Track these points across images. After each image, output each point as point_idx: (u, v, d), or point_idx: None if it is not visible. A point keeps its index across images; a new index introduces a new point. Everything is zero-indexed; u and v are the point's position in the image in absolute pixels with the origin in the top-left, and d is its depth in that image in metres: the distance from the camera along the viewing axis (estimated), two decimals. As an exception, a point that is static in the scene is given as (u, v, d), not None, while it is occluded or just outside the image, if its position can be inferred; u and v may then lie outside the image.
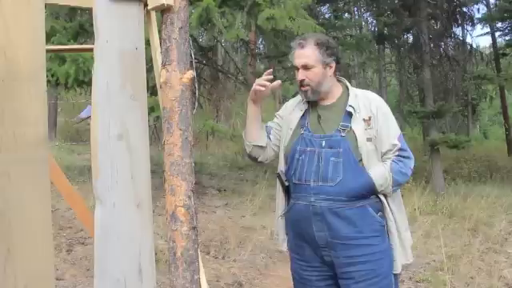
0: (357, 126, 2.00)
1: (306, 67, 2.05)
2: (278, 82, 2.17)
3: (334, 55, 2.08)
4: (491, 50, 15.02)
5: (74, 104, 14.76)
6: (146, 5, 1.52)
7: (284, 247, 2.21)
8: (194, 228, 1.42)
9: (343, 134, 1.99)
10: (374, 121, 2.01)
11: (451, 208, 6.61)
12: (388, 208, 2.01)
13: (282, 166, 2.15)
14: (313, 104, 2.13)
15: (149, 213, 1.46)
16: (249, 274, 4.01)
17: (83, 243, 4.44)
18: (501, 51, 13.82)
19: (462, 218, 5.96)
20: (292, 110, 2.19)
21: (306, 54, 2.05)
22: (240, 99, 8.38)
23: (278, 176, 2.15)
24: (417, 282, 3.99)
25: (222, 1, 6.08)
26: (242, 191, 7.54)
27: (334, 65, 2.08)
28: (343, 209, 1.96)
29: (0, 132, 1.29)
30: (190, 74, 1.46)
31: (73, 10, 6.90)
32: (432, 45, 11.20)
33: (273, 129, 2.22)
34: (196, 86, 1.75)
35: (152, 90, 4.90)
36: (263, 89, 2.08)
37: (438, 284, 3.79)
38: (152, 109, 5.22)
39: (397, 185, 2.02)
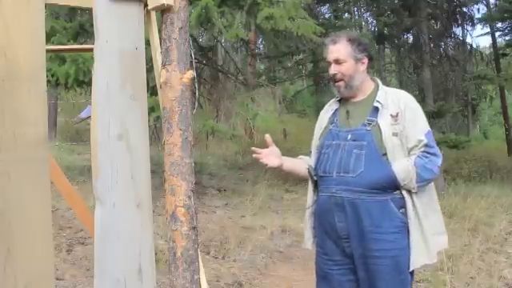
0: (383, 120, 2.03)
1: (337, 61, 2.12)
2: (267, 137, 2.22)
3: (366, 51, 2.16)
4: (491, 50, 15.02)
5: (74, 104, 14.76)
6: (146, 5, 1.52)
7: (308, 245, 2.25)
8: (194, 228, 1.43)
9: (368, 128, 2.04)
10: (401, 117, 2.03)
11: (451, 208, 6.61)
12: (411, 205, 2.00)
13: (311, 162, 2.23)
14: (344, 101, 2.20)
15: (149, 213, 1.46)
16: (249, 273, 4.01)
17: (83, 243, 4.43)
18: (501, 51, 13.83)
19: (462, 218, 5.96)
20: (325, 112, 2.27)
21: (338, 49, 2.13)
22: (240, 99, 8.37)
23: (308, 171, 2.21)
24: (417, 282, 3.99)
25: (222, 0, 6.08)
26: (242, 191, 7.54)
27: (366, 61, 2.15)
28: (363, 200, 1.98)
29: (0, 132, 1.29)
30: (190, 73, 1.46)
31: (73, 10, 6.91)
32: (432, 45, 11.22)
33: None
34: (196, 85, 1.75)
35: (152, 90, 4.90)
36: (267, 158, 2.17)
37: (438, 284, 3.79)
38: (152, 109, 5.22)
39: (421, 181, 1.99)
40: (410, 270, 2.02)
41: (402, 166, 1.98)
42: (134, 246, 1.40)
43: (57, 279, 3.47)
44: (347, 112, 2.15)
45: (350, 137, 2.06)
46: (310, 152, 2.31)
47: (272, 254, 4.53)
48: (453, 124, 15.22)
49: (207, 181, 8.38)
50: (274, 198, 7.23)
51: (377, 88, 2.16)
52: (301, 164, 2.29)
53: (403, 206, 2.00)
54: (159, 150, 7.77)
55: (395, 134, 2.01)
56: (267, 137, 2.22)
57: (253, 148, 2.21)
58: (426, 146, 2.02)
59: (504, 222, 5.92)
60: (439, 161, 2.04)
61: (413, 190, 2.00)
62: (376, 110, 2.06)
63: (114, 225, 1.39)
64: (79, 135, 13.10)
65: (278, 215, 6.06)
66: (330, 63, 2.15)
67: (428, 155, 2.02)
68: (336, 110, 2.21)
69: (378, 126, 2.02)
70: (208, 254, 4.42)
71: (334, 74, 2.13)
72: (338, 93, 2.18)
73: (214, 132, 6.86)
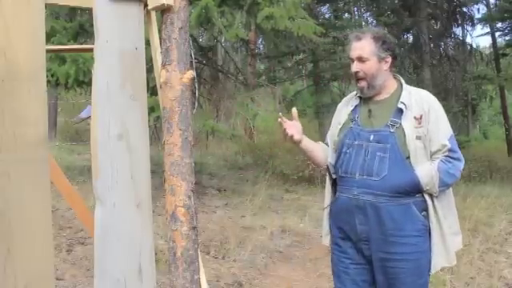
0: (406, 122, 1.98)
1: (360, 59, 2.06)
2: (294, 110, 2.19)
3: (391, 50, 2.09)
4: (491, 49, 15.03)
5: (74, 104, 14.76)
6: (146, 5, 1.52)
7: (326, 242, 2.23)
8: (194, 228, 1.42)
9: (392, 130, 1.99)
10: (424, 119, 1.99)
11: (451, 208, 6.59)
12: (432, 208, 1.99)
13: (330, 158, 2.18)
14: (365, 99, 2.14)
15: (149, 213, 1.46)
16: (249, 273, 4.01)
17: (83, 243, 4.43)
18: (501, 51, 13.84)
19: (462, 218, 5.94)
20: (344, 106, 2.21)
21: (362, 47, 2.06)
22: (240, 99, 8.38)
23: (327, 168, 2.18)
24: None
25: (221, 0, 6.08)
26: (242, 191, 7.54)
27: (389, 60, 2.09)
28: (385, 204, 1.96)
29: (0, 132, 1.29)
30: (190, 74, 1.46)
31: (73, 10, 6.91)
32: (432, 45, 11.24)
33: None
34: (196, 85, 1.75)
35: (152, 90, 4.90)
36: (290, 129, 2.11)
37: (438, 284, 3.78)
38: (152, 109, 5.22)
39: (443, 185, 1.98)
40: (432, 272, 2.01)
41: (426, 171, 1.95)
42: (134, 245, 1.40)
43: (57, 279, 3.47)
44: (369, 111, 2.09)
45: (372, 138, 2.01)
46: (326, 143, 2.27)
47: (272, 254, 4.53)
48: (453, 124, 15.17)
49: (207, 181, 8.38)
50: (273, 198, 7.23)
51: (400, 87, 2.10)
52: (320, 150, 2.24)
53: (425, 208, 1.99)
54: (159, 150, 7.78)
55: (419, 138, 1.97)
56: (294, 110, 2.17)
57: (280, 115, 2.15)
58: (450, 150, 1.99)
59: (504, 222, 5.91)
60: (462, 165, 2.02)
61: (434, 194, 1.98)
62: (400, 111, 2.01)
63: (114, 225, 1.39)
64: (79, 135, 13.11)
65: (278, 215, 6.06)
66: (352, 60, 2.09)
67: (451, 160, 1.99)
68: (356, 106, 2.14)
69: (402, 129, 1.97)
70: (208, 253, 4.42)
71: (356, 72, 2.08)
72: (360, 93, 2.13)
73: (214, 132, 6.87)
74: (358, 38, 2.08)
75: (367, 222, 2.00)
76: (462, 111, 14.60)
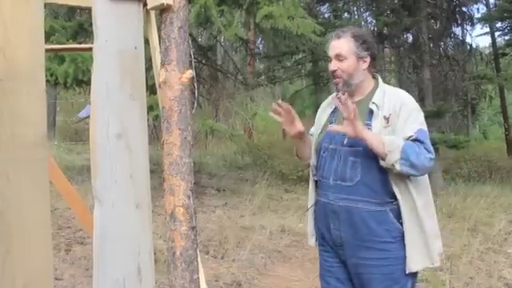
0: (375, 123, 1.94)
1: (339, 57, 2.03)
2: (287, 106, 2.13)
3: (370, 50, 2.05)
4: (491, 49, 15.03)
5: (73, 103, 14.78)
6: (145, 4, 1.52)
7: (311, 242, 2.23)
8: (193, 228, 1.42)
9: None
10: (393, 118, 1.93)
11: (450, 208, 6.61)
12: (409, 211, 1.91)
13: (313, 160, 2.16)
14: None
15: (148, 212, 1.46)
16: (248, 273, 4.01)
17: (82, 243, 4.43)
18: (500, 51, 13.84)
19: (462, 217, 5.96)
20: (325, 108, 2.21)
21: (341, 45, 2.03)
22: (239, 99, 8.39)
23: (311, 170, 2.18)
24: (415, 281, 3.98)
25: (221, -1, 6.09)
26: (241, 191, 7.55)
27: (368, 60, 2.04)
28: (360, 210, 1.94)
29: (-1, 131, 1.29)
30: (190, 73, 1.45)
31: (72, 10, 6.92)
32: (432, 45, 11.23)
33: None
34: (195, 85, 1.75)
35: (151, 89, 4.90)
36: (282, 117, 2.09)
37: (438, 284, 3.79)
38: (151, 108, 5.23)
39: (406, 158, 1.82)
40: (409, 271, 1.94)
41: (391, 138, 1.86)
42: (133, 245, 1.40)
43: (56, 279, 3.47)
44: None
45: (346, 141, 1.98)
46: (311, 135, 2.24)
47: (271, 254, 4.53)
48: (452, 124, 15.21)
49: (206, 180, 8.38)
50: (273, 198, 7.23)
51: (376, 87, 2.06)
52: (308, 145, 2.20)
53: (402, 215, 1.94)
54: (158, 150, 7.77)
55: None
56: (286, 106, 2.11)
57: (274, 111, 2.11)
58: (416, 140, 1.87)
59: (503, 221, 5.92)
60: (430, 156, 1.87)
61: (396, 167, 1.83)
62: (371, 112, 1.98)
63: (113, 224, 1.39)
64: (78, 135, 13.12)
65: (277, 215, 6.06)
66: (330, 59, 2.07)
67: (419, 144, 1.87)
68: (336, 108, 2.10)
69: (372, 130, 1.92)
70: (207, 253, 4.42)
71: (334, 71, 2.04)
72: (335, 89, 2.10)
73: (213, 131, 6.88)
74: (338, 37, 2.05)
75: (340, 227, 1.98)
76: (461, 111, 14.57)
